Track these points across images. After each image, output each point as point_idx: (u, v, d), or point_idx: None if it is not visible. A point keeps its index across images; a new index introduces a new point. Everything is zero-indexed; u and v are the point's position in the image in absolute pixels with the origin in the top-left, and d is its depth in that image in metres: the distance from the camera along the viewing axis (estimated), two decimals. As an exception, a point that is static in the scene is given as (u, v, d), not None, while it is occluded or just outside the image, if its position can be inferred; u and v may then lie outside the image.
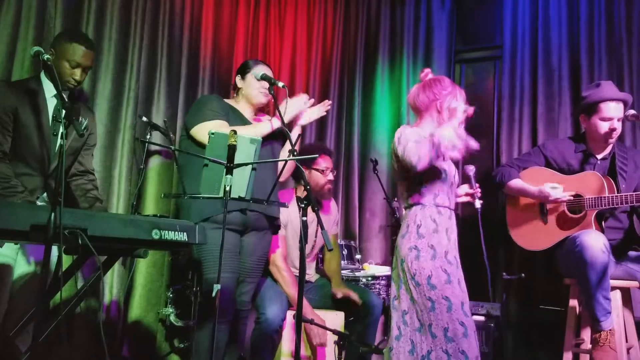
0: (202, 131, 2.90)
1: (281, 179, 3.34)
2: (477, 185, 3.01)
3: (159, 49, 4.00)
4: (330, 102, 3.28)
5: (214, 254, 2.84)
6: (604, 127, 3.34)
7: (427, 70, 2.94)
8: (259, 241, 3.09)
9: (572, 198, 3.35)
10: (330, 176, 3.71)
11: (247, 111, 3.18)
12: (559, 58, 4.42)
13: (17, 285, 2.76)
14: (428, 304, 2.60)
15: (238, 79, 3.19)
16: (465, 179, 3.09)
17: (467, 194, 3.03)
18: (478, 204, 2.99)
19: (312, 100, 3.18)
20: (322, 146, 4.02)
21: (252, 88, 3.14)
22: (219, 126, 2.87)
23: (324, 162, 3.66)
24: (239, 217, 2.91)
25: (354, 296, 3.56)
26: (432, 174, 2.74)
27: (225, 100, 3.18)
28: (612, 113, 3.32)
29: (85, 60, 2.86)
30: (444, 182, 2.77)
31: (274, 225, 3.18)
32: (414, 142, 2.62)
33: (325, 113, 3.27)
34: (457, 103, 2.72)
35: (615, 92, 3.39)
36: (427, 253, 2.66)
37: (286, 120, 2.99)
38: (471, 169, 3.03)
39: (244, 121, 3.09)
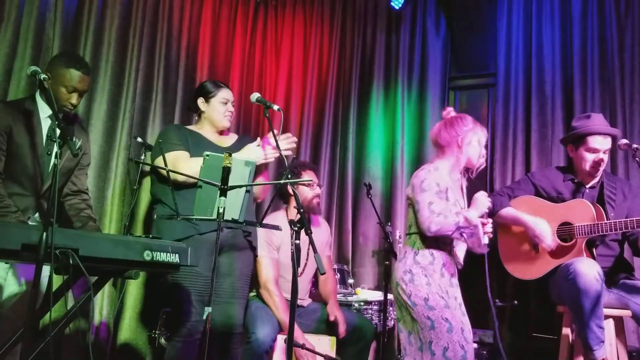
0: (161, 164, 2.88)
1: (259, 199, 3.37)
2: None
3: (155, 72, 4.02)
4: (295, 138, 3.11)
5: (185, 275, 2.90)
6: (589, 158, 3.37)
7: (450, 108, 2.99)
8: (234, 261, 3.07)
9: (556, 244, 3.34)
10: (317, 190, 3.71)
11: (210, 133, 3.20)
12: (552, 87, 4.46)
13: (7, 305, 2.73)
14: (428, 323, 2.63)
15: (201, 101, 3.20)
16: None
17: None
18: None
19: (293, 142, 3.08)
20: (304, 162, 4.03)
21: (217, 112, 3.17)
22: (176, 157, 2.93)
23: (308, 177, 3.66)
24: (212, 236, 2.90)
25: (341, 328, 3.51)
26: None
27: (187, 127, 3.22)
28: (598, 145, 3.35)
29: (82, 86, 2.86)
30: None
31: (252, 244, 3.17)
32: (436, 212, 2.66)
33: (290, 152, 3.12)
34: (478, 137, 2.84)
35: (604, 126, 3.42)
36: (421, 279, 2.69)
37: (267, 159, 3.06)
38: None
39: (207, 144, 3.10)
